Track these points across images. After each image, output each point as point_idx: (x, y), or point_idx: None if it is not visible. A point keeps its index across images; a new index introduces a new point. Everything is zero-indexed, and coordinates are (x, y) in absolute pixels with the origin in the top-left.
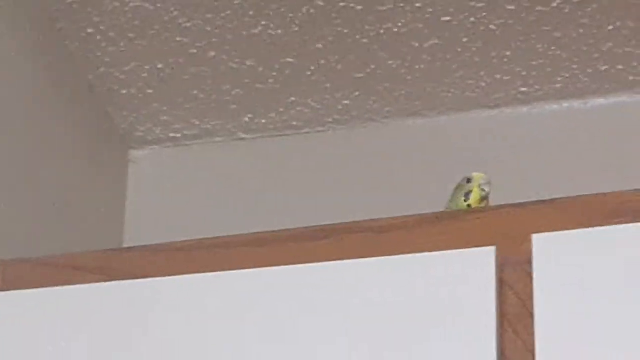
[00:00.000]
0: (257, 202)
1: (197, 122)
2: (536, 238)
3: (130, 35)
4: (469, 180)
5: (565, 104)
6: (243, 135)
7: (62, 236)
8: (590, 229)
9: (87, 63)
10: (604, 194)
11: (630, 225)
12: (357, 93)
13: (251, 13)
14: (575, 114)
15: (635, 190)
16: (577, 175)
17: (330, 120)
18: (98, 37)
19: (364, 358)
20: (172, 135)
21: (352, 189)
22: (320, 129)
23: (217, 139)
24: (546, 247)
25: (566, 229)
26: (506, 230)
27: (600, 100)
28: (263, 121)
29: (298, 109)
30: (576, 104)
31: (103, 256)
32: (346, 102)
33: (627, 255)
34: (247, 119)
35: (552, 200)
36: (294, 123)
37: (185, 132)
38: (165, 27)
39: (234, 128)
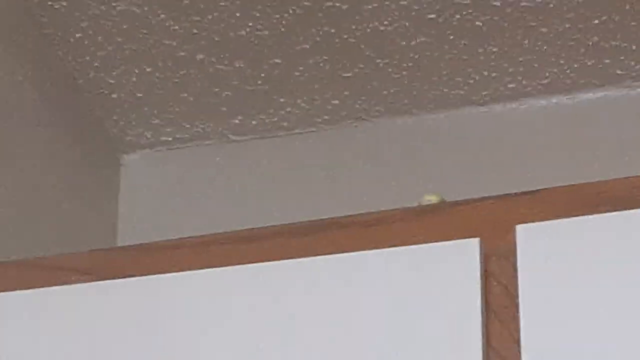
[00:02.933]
0: (248, 203)
1: (188, 125)
2: (520, 229)
3: (119, 39)
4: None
5: (553, 99)
6: (233, 137)
7: (55, 240)
8: (572, 219)
9: (76, 68)
10: (586, 184)
11: (612, 213)
12: (346, 93)
13: (238, 15)
14: (563, 109)
15: (615, 179)
16: (564, 168)
17: (319, 120)
18: (86, 42)
19: (350, 348)
20: (162, 138)
21: (343, 188)
22: (310, 129)
23: (208, 142)
24: (530, 237)
25: (549, 219)
26: (490, 222)
27: (588, 95)
28: (253, 123)
29: (288, 109)
30: (564, 99)
31: (91, 256)
32: (335, 101)
33: (609, 244)
34: (237, 121)
35: (535, 191)
36: (284, 124)
37: (176, 135)
38: (153, 31)
39: (225, 130)
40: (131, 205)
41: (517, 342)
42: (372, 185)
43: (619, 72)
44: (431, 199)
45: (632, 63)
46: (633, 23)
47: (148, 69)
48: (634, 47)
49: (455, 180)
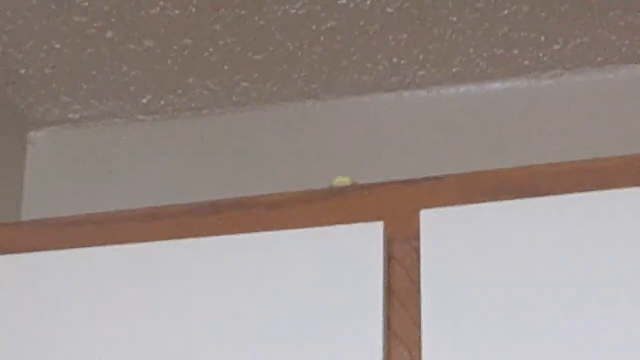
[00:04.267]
0: (154, 183)
1: (96, 103)
2: (424, 213)
3: (28, 14)
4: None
5: (462, 88)
6: (141, 117)
7: None
8: (475, 205)
9: None
10: (489, 171)
11: (513, 201)
12: (255, 75)
13: None
14: (471, 97)
15: (518, 167)
16: (469, 156)
17: (228, 102)
18: None
19: (251, 331)
20: (70, 116)
21: (249, 170)
22: (218, 110)
23: (116, 120)
24: (433, 222)
25: (453, 204)
26: (394, 206)
27: (496, 85)
28: (162, 102)
29: (197, 90)
30: (472, 88)
31: None
32: (245, 84)
33: (511, 230)
34: (145, 101)
35: (439, 177)
36: (193, 105)
37: (83, 113)
38: (63, 7)
39: (133, 109)
40: (37, 181)
41: (418, 325)
42: (280, 169)
43: (526, 62)
44: (343, 181)
45: (540, 54)
46: (542, 14)
47: (57, 45)
48: (542, 38)
49: (363, 165)
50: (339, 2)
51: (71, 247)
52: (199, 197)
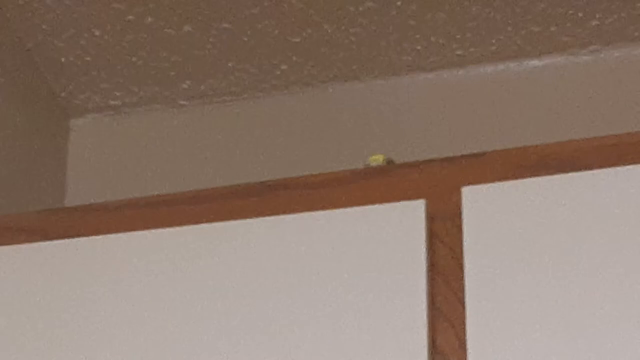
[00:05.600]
0: (197, 167)
1: (136, 90)
2: (465, 191)
3: (67, 2)
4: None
5: (500, 66)
6: (182, 102)
7: (4, 201)
8: (517, 181)
9: (25, 31)
10: (530, 147)
11: (555, 176)
12: (294, 58)
13: None
14: (510, 75)
15: (558, 142)
16: (510, 132)
17: (268, 85)
18: (34, 5)
19: (297, 310)
20: (111, 102)
21: (290, 152)
22: (258, 94)
23: (156, 106)
24: (475, 199)
25: (494, 181)
26: (436, 184)
27: (534, 62)
28: (202, 87)
29: (236, 74)
30: (511, 65)
31: (39, 216)
32: (284, 67)
33: (553, 206)
34: (185, 86)
35: (480, 154)
36: (233, 89)
37: (124, 100)
38: None
39: (173, 95)
40: (79, 168)
41: (462, 302)
42: (321, 149)
43: (564, 38)
44: (377, 159)
45: (579, 30)
46: None
47: (97, 33)
48: (580, 15)
49: (404, 144)
50: None
51: (116, 231)
52: (240, 181)
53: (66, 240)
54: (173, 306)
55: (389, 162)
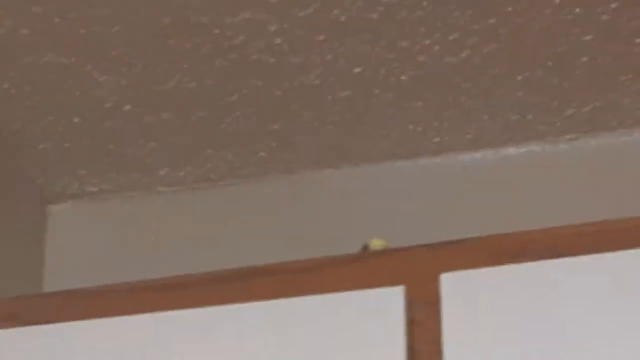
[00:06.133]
0: (175, 253)
1: (114, 176)
2: (444, 277)
3: (46, 89)
4: (365, 248)
5: (477, 154)
6: (160, 189)
7: None
8: (496, 267)
9: (2, 118)
10: (509, 235)
11: (534, 263)
12: (273, 144)
13: (165, 66)
14: (487, 163)
15: (537, 230)
16: (488, 219)
17: (246, 172)
18: (13, 92)
19: None
20: (89, 189)
21: (271, 240)
22: (237, 181)
23: (135, 193)
24: (454, 285)
25: (474, 267)
26: (415, 270)
27: (511, 150)
28: (180, 174)
29: (214, 161)
30: (488, 153)
31: (16, 302)
32: (262, 154)
33: (532, 293)
34: (163, 172)
35: (460, 241)
36: (211, 176)
37: (102, 186)
38: (80, 81)
39: (151, 181)
40: (58, 254)
41: None
42: (299, 236)
43: (541, 127)
44: (378, 244)
45: (555, 119)
46: (555, 79)
47: (75, 120)
48: (555, 104)
49: (382, 231)
50: (354, 70)
51: (94, 317)
52: (218, 267)
53: (42, 326)
54: None
55: (366, 248)
